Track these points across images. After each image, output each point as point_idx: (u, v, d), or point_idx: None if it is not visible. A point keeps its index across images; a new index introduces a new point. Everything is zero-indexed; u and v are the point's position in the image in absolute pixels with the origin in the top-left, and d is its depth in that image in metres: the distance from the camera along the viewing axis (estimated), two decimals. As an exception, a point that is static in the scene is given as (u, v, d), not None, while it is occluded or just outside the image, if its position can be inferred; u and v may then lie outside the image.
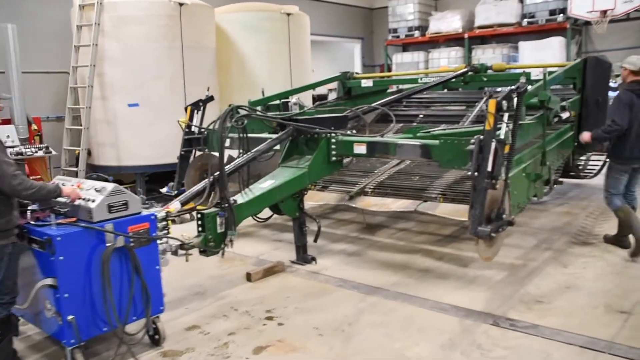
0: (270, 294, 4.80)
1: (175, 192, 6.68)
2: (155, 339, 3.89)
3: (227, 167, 4.96)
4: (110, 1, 7.86)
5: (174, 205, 4.36)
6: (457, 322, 4.12)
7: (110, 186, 3.60)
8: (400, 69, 13.70)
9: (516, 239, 6.02)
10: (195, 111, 6.93)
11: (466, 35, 12.93)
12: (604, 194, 5.56)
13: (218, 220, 4.42)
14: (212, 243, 4.39)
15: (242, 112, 5.06)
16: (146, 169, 8.35)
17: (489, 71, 7.27)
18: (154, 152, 8.15)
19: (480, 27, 12.69)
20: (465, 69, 7.23)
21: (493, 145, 4.13)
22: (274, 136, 5.34)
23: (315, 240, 5.45)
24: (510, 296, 4.52)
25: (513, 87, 4.33)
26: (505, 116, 4.29)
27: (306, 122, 5.37)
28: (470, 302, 4.41)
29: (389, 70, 14.33)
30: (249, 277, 5.16)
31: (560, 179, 6.19)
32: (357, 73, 8.68)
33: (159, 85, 8.06)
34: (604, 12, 10.54)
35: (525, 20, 12.11)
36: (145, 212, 3.77)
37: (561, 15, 11.58)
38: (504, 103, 4.18)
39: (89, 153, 8.56)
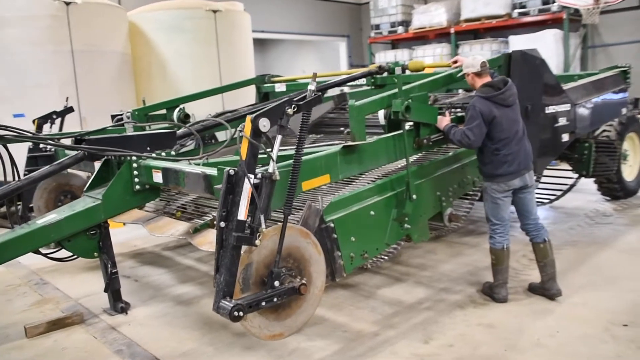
0: (23, 362, 3.73)
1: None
2: None
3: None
4: (-13, 0, 7.07)
5: None
6: None
7: None
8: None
9: (398, 290, 4.63)
10: (50, 124, 6.00)
11: (452, 30, 11.34)
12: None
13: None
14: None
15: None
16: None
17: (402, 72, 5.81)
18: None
19: (467, 21, 11.07)
20: (370, 70, 5.84)
21: (247, 184, 2.87)
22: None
23: (105, 290, 4.36)
24: (307, 392, 3.21)
25: (294, 97, 3.06)
26: (278, 140, 3.01)
27: (111, 142, 4.28)
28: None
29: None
30: (26, 332, 4.13)
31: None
32: (276, 76, 7.44)
33: (45, 95, 7.15)
34: (597, 0, 8.71)
35: (516, 11, 10.40)
36: None
37: (555, 4, 9.79)
38: (263, 122, 2.90)
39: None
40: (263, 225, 2.88)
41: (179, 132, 4.95)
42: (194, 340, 3.93)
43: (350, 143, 3.68)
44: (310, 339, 3.81)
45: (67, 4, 7.06)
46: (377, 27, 12.75)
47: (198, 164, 4.01)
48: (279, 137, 3.00)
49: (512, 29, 10.73)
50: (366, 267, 4.02)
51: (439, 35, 11.94)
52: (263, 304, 2.92)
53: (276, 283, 2.96)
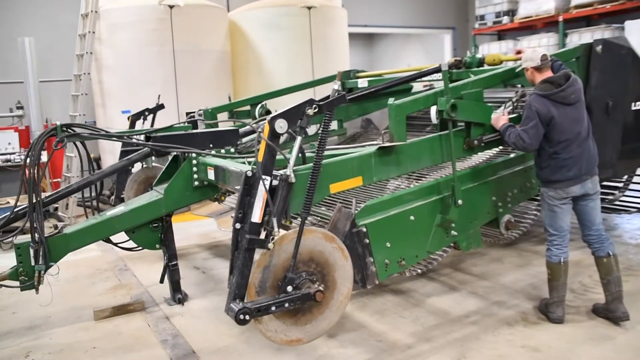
0: (84, 342, 4.12)
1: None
2: None
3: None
4: (106, 9, 7.88)
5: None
6: None
7: None
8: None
9: (449, 301, 4.46)
10: (143, 121, 6.53)
11: (561, 18, 10.42)
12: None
13: (31, 251, 3.96)
14: (23, 277, 3.95)
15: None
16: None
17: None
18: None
19: (577, 7, 10.11)
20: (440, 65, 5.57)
21: (261, 186, 2.94)
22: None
23: (160, 281, 4.67)
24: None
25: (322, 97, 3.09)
26: (297, 142, 3.05)
27: (176, 139, 4.58)
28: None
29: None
30: (94, 315, 4.58)
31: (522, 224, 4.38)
32: (362, 71, 7.37)
33: (149, 92, 7.78)
34: None
35: (636, -7, 9.31)
36: None
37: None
38: (280, 124, 2.94)
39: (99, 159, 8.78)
40: (276, 229, 2.90)
41: (243, 129, 5.12)
42: (232, 337, 4.05)
43: (386, 144, 3.58)
44: (342, 346, 3.80)
45: (171, 7, 7.65)
46: (482, 17, 12.14)
47: (250, 162, 4.15)
48: (298, 139, 3.03)
49: (630, 14, 9.59)
50: (405, 274, 3.89)
51: (547, 25, 11.05)
52: (273, 308, 2.89)
53: (289, 288, 2.92)
